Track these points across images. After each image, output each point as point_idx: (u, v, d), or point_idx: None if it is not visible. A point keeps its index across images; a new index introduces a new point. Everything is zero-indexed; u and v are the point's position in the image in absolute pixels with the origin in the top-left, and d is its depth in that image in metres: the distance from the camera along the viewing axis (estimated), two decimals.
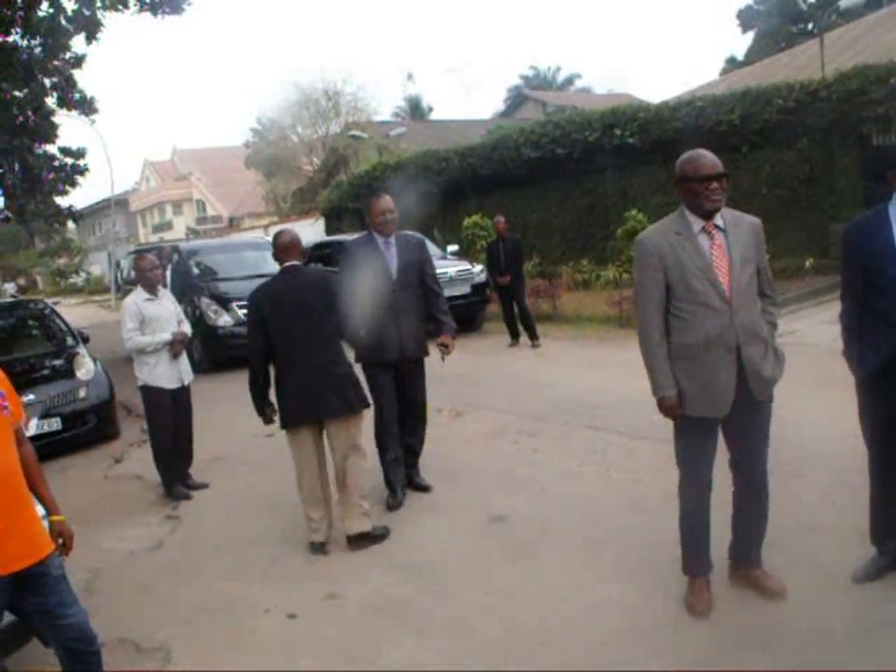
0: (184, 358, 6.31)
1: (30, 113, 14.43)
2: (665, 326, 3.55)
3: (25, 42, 13.61)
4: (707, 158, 3.46)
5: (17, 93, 14.08)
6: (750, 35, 41.82)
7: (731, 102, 15.06)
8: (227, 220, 47.50)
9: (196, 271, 13.54)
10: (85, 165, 16.09)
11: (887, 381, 3.58)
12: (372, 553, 4.76)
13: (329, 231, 24.36)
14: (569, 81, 52.23)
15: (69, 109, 15.26)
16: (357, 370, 5.06)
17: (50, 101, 14.87)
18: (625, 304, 12.03)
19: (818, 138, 14.01)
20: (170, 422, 6.20)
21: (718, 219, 3.49)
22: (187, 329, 6.36)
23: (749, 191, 13.92)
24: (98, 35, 13.65)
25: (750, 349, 3.47)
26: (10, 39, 13.08)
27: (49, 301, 14.32)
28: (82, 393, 8.17)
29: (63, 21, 13.18)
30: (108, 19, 13.58)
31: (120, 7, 12.64)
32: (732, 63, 41.20)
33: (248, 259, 13.74)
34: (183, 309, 6.78)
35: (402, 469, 5.56)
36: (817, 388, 6.68)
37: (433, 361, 5.60)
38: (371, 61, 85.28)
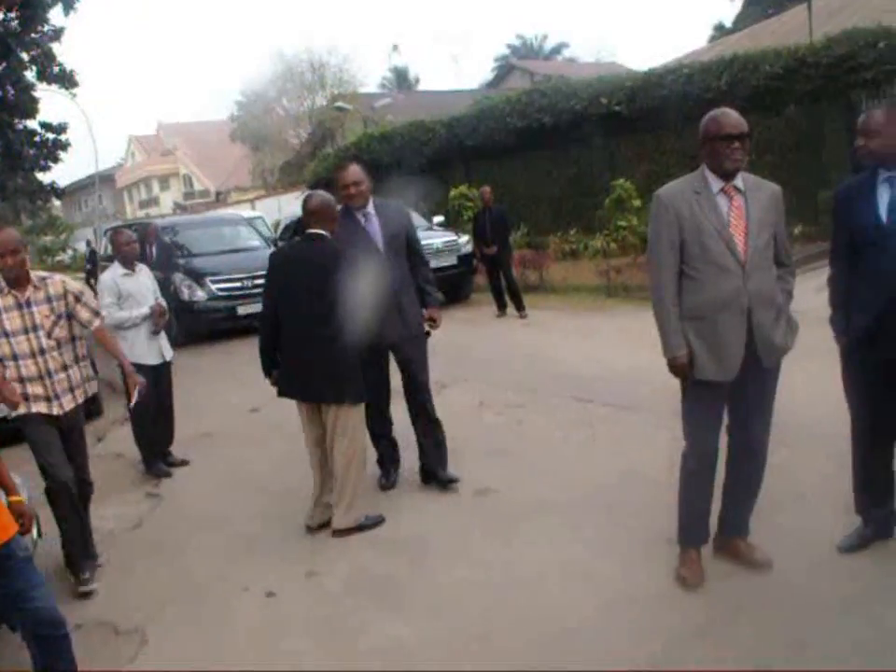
0: (163, 334, 6.21)
1: (9, 88, 14.21)
2: (677, 285, 3.47)
3: (1, 15, 13.35)
4: (731, 117, 3.40)
5: None
6: (739, 2, 41.47)
7: (718, 69, 14.91)
8: (214, 195, 47.09)
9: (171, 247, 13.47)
10: (66, 140, 15.89)
11: (870, 348, 3.54)
12: None
13: None
14: (556, 51, 51.73)
15: (49, 83, 15.10)
16: None
17: (30, 75, 14.68)
18: (613, 274, 11.96)
19: (806, 104, 13.89)
20: (150, 398, 6.10)
21: (738, 181, 3.44)
22: (163, 304, 6.24)
23: None
24: (76, 6, 13.43)
25: (762, 314, 3.40)
26: None
27: None
28: None
29: None
30: None
31: None
32: (720, 31, 40.86)
33: (224, 234, 13.92)
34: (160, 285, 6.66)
35: (396, 452, 5.40)
36: (802, 356, 6.60)
37: None
38: (357, 31, 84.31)
